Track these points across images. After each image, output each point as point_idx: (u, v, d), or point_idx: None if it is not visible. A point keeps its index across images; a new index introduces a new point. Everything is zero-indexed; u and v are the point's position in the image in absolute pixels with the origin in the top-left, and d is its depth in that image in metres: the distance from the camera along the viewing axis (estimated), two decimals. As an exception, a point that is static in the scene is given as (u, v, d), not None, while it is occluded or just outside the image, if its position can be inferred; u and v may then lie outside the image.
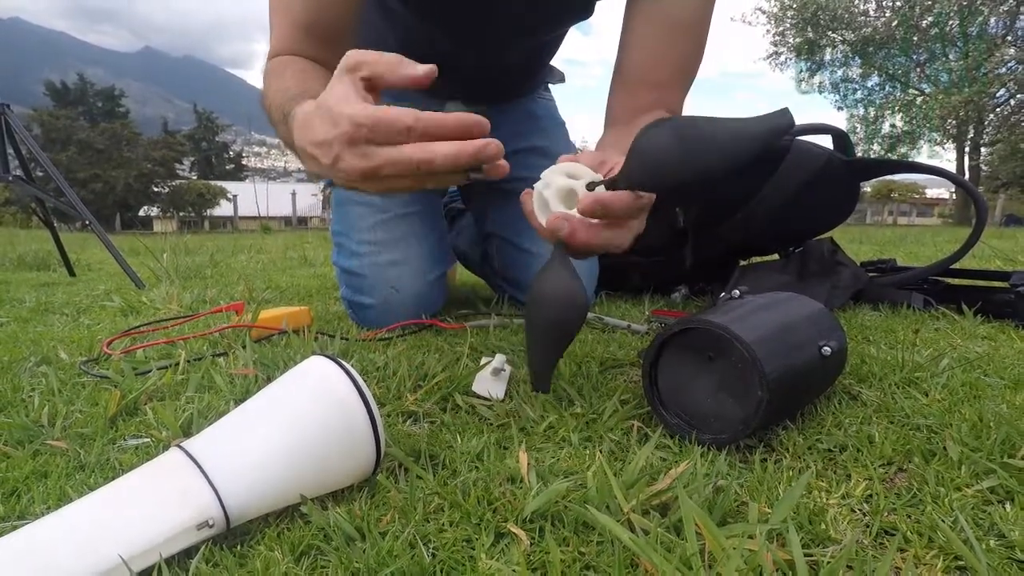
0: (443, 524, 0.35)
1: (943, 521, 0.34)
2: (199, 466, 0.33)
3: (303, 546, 0.33)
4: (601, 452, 0.43)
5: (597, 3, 0.82)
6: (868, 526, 0.35)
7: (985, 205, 1.00)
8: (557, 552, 0.31)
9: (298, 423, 0.36)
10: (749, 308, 0.49)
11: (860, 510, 0.37)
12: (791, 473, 0.40)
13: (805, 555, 0.29)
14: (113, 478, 0.40)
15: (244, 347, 0.70)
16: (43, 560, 0.28)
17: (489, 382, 0.56)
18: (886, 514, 0.36)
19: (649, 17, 0.68)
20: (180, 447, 0.34)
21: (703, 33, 0.69)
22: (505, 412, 0.52)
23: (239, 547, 0.33)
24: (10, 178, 1.66)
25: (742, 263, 1.13)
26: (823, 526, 0.34)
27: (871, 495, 0.38)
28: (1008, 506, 0.36)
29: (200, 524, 0.32)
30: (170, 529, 0.31)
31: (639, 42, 0.69)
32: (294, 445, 0.35)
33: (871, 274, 1.11)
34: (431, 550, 0.33)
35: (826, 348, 0.47)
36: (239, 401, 0.55)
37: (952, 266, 1.03)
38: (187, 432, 0.48)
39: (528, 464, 0.40)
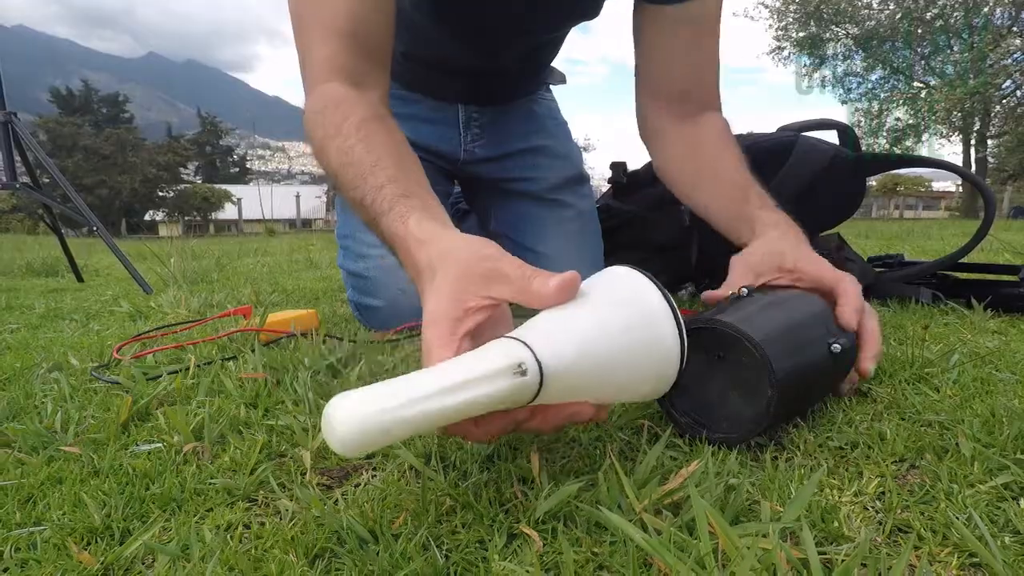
0: (456, 526, 0.35)
1: (957, 518, 0.34)
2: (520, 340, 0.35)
3: (317, 549, 0.33)
4: (611, 452, 0.43)
5: (603, 5, 0.82)
6: (881, 523, 0.35)
7: (993, 198, 0.99)
8: (570, 552, 0.31)
9: (614, 317, 0.37)
10: (758, 306, 0.49)
11: (873, 507, 0.36)
12: (802, 471, 0.40)
13: (819, 553, 0.29)
14: (127, 483, 0.41)
15: (253, 351, 0.71)
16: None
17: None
18: (899, 511, 0.36)
19: (672, 25, 0.68)
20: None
21: (719, 26, 0.71)
22: (514, 413, 0.52)
23: (254, 550, 0.33)
24: (17, 185, 1.68)
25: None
26: (836, 524, 0.34)
27: (884, 492, 0.38)
28: (1022, 502, 0.36)
29: (516, 371, 0.33)
30: (487, 369, 0.32)
31: (669, 51, 0.70)
32: (608, 333, 0.36)
33: (878, 269, 1.10)
34: (444, 552, 0.33)
35: (836, 346, 0.47)
36: (249, 404, 0.55)
37: (960, 260, 1.03)
38: (198, 436, 0.48)
39: (540, 465, 0.40)
